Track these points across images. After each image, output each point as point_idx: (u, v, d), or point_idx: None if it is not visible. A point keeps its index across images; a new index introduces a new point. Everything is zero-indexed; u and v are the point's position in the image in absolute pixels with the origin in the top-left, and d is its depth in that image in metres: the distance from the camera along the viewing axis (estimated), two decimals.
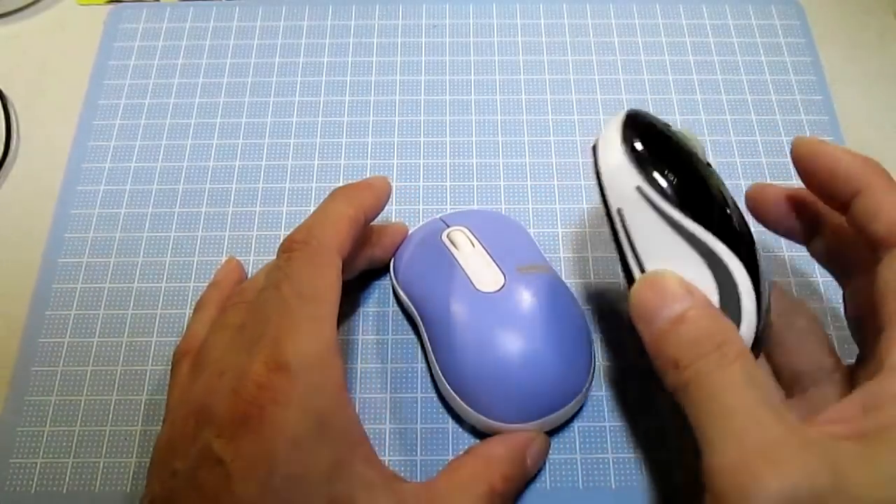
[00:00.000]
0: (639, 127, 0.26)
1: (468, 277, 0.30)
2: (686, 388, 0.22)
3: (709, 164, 0.26)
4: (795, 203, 0.28)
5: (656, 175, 0.25)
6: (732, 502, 0.19)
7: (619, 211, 0.25)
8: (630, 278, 0.25)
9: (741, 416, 0.20)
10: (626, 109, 0.27)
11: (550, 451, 0.30)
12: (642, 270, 0.25)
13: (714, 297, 0.24)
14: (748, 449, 0.20)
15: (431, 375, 0.32)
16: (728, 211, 0.25)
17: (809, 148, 0.26)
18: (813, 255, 0.29)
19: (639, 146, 0.25)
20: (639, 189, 0.25)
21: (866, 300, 0.24)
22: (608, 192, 0.26)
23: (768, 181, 0.37)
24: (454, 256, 0.31)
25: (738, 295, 0.24)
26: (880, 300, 0.23)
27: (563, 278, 0.34)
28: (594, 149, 0.27)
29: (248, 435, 0.22)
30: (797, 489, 0.18)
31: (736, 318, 0.24)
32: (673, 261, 0.24)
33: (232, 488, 0.22)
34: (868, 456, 0.19)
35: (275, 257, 0.27)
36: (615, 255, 0.35)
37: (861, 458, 0.19)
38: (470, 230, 0.32)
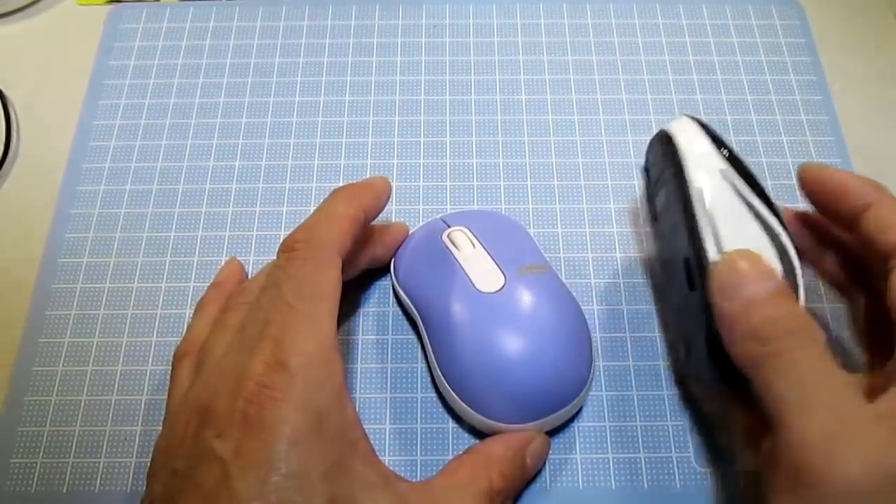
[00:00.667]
0: (709, 129, 0.29)
1: (468, 277, 0.30)
2: (767, 361, 0.23)
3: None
4: (804, 223, 0.29)
5: (737, 163, 0.28)
6: (817, 475, 0.21)
7: (700, 191, 0.28)
8: (698, 251, 0.27)
9: (827, 394, 0.22)
10: (687, 115, 0.30)
11: (550, 451, 0.30)
12: (718, 248, 0.26)
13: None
14: (835, 424, 0.21)
15: (431, 375, 0.32)
16: (774, 204, 0.27)
17: (817, 169, 0.27)
18: (821, 274, 0.30)
19: (723, 144, 0.29)
20: (723, 173, 0.28)
21: (876, 311, 0.26)
22: (692, 174, 0.28)
23: (768, 181, 0.37)
24: (454, 256, 0.31)
25: (797, 281, 0.26)
26: (893, 307, 0.24)
27: (563, 278, 0.34)
28: (665, 137, 0.30)
29: (249, 434, 0.22)
30: (882, 464, 0.20)
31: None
32: (749, 242, 0.26)
33: (232, 487, 0.22)
34: None
35: (275, 257, 0.28)
36: (615, 255, 0.35)
37: None
38: (470, 230, 0.32)
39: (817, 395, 0.22)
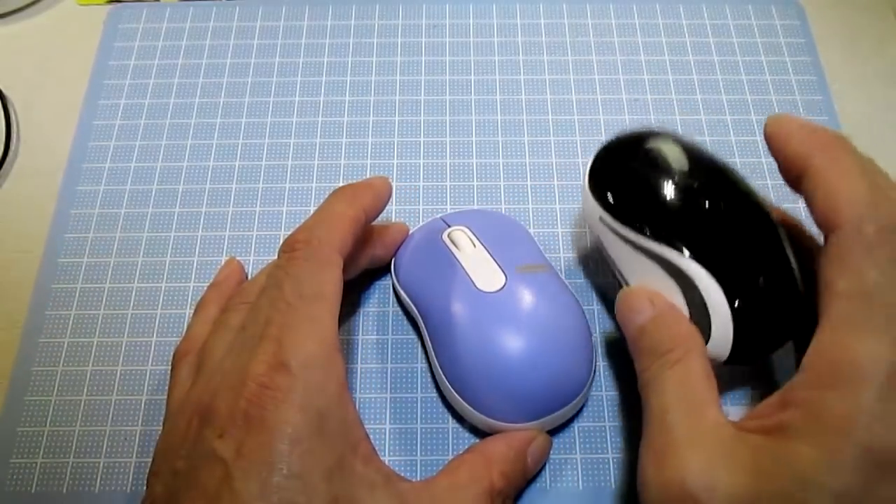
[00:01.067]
0: (606, 157, 0.30)
1: (469, 277, 0.30)
2: (642, 390, 0.26)
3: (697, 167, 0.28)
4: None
5: (610, 203, 0.28)
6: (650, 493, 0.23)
7: (597, 238, 0.30)
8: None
9: (670, 414, 0.24)
10: (606, 140, 0.30)
11: (551, 451, 0.30)
12: (627, 284, 0.29)
13: (680, 302, 0.27)
14: (674, 440, 0.23)
15: (432, 375, 0.32)
16: (698, 219, 0.27)
17: (771, 129, 0.26)
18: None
19: (599, 180, 0.29)
20: (601, 219, 0.29)
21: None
22: (589, 227, 0.30)
23: (768, 181, 0.37)
24: (455, 256, 0.31)
25: (703, 299, 0.26)
26: (818, 296, 0.23)
27: (563, 278, 0.34)
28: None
29: (250, 434, 0.22)
30: (695, 477, 0.22)
31: (705, 319, 0.26)
32: (643, 274, 0.28)
33: (233, 487, 0.22)
34: (767, 447, 0.22)
35: (275, 257, 0.28)
36: None
37: (761, 449, 0.22)
38: (471, 230, 0.32)
39: (660, 418, 0.24)
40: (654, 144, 0.28)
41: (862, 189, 0.23)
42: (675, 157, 0.28)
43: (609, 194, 0.28)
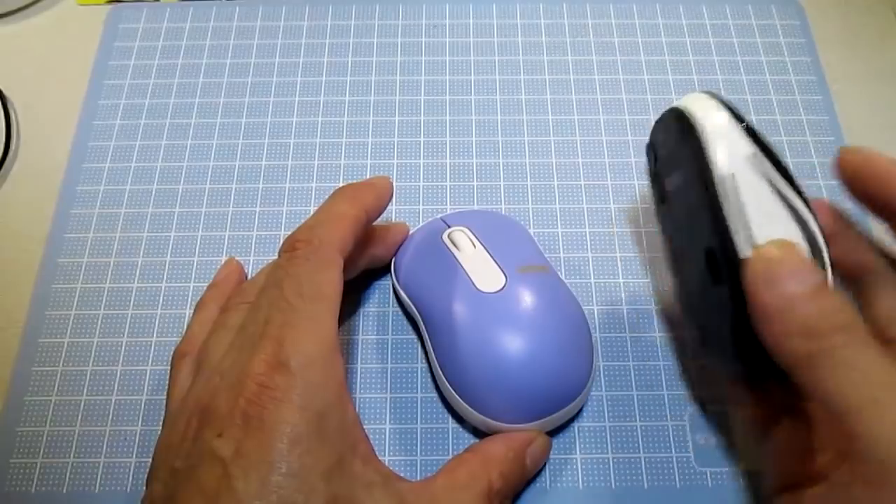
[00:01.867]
0: (728, 105, 0.27)
1: (469, 278, 0.30)
2: (820, 357, 0.22)
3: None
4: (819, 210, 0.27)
5: (767, 147, 0.26)
6: None
7: (732, 176, 0.25)
8: (726, 243, 0.25)
9: (893, 391, 0.21)
10: (700, 90, 0.28)
11: (551, 451, 0.30)
12: (751, 240, 0.25)
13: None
14: None
15: (432, 375, 0.32)
16: (802, 190, 0.25)
17: (862, 155, 0.26)
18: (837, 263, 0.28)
19: (743, 121, 0.26)
20: (750, 158, 0.26)
21: (893, 304, 0.25)
22: (715, 158, 0.26)
23: None
24: (455, 257, 0.31)
25: (826, 270, 0.24)
26: None
27: (563, 278, 0.34)
28: (680, 114, 0.27)
29: (249, 434, 0.22)
30: None
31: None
32: (781, 233, 0.25)
33: (232, 486, 0.22)
34: None
35: (275, 257, 0.28)
36: (615, 255, 0.35)
37: None
38: (471, 230, 0.32)
39: (884, 393, 0.21)
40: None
41: None
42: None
43: (757, 137, 0.26)
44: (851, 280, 0.28)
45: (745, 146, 0.26)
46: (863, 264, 0.27)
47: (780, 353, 0.23)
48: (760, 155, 0.26)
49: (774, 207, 0.25)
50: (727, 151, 0.26)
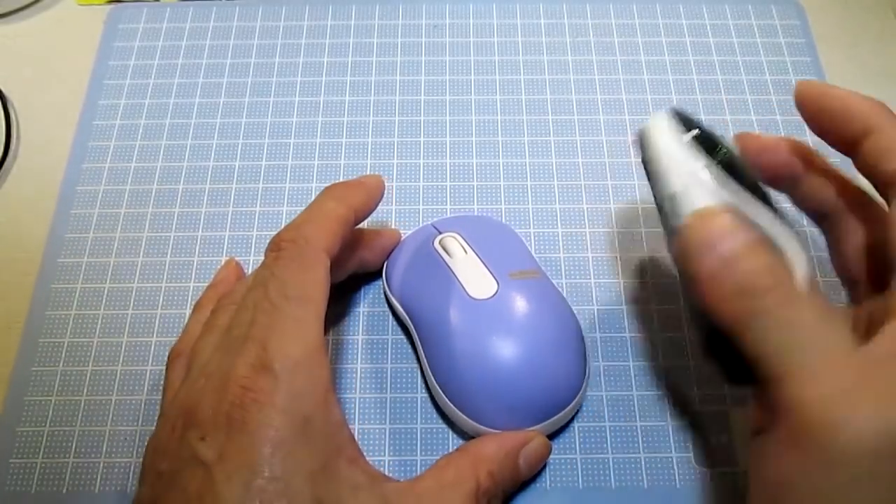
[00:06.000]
0: (685, 119, 0.28)
1: (461, 284, 0.30)
2: (754, 317, 0.22)
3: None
4: (778, 151, 0.28)
5: (716, 158, 0.26)
6: (826, 433, 0.20)
7: (675, 196, 0.26)
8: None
9: (823, 349, 0.21)
10: (666, 109, 0.28)
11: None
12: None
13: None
14: (837, 380, 0.20)
15: (425, 382, 0.32)
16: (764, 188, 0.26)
17: (817, 89, 0.26)
18: (795, 202, 0.28)
19: (695, 134, 0.27)
20: (706, 168, 0.25)
21: (859, 242, 0.25)
22: (669, 176, 0.26)
23: None
24: (446, 263, 0.31)
25: (796, 270, 0.24)
26: (892, 240, 0.23)
27: (563, 278, 0.34)
28: (642, 136, 0.27)
29: (232, 437, 0.22)
30: (887, 419, 0.19)
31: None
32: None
33: (215, 490, 0.22)
34: None
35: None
36: (614, 255, 0.35)
37: None
38: (461, 236, 0.32)
39: (814, 352, 0.21)
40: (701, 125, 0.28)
41: None
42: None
43: (708, 149, 0.26)
44: (820, 218, 0.28)
45: (698, 162, 0.26)
46: (830, 202, 0.27)
47: (721, 318, 0.22)
48: (713, 166, 0.25)
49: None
50: (675, 173, 0.26)
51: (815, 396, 0.20)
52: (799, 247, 0.24)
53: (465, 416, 0.29)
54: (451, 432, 0.31)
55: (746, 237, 0.23)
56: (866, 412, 0.20)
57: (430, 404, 0.32)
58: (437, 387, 0.30)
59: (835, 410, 0.20)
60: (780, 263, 0.23)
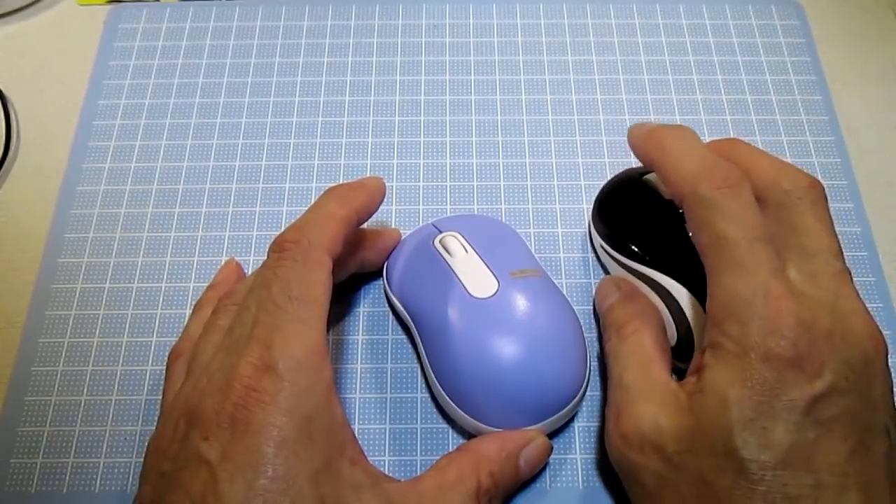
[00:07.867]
0: (609, 194, 0.34)
1: (461, 283, 0.30)
2: (606, 359, 0.30)
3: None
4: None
5: (608, 235, 0.33)
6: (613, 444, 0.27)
7: (600, 260, 0.35)
8: None
9: (625, 377, 0.28)
10: (610, 178, 0.35)
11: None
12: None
13: (665, 313, 0.30)
14: (629, 397, 0.27)
15: (427, 382, 0.32)
16: (671, 247, 0.31)
17: (632, 130, 0.30)
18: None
19: (602, 214, 0.34)
20: (602, 247, 0.34)
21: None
22: (592, 247, 0.35)
23: None
24: (447, 262, 0.31)
25: (680, 306, 0.30)
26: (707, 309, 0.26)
27: (563, 278, 0.34)
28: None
29: (235, 437, 0.22)
30: (646, 423, 0.26)
31: (684, 321, 0.30)
32: None
33: (218, 490, 0.22)
34: (696, 386, 0.25)
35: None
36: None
37: (692, 390, 0.25)
38: (462, 235, 0.32)
39: (624, 379, 0.28)
40: (647, 183, 0.33)
41: (691, 165, 0.26)
42: (660, 198, 0.32)
43: (608, 228, 0.33)
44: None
45: (596, 239, 0.34)
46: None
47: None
48: (606, 245, 0.33)
49: (623, 274, 0.33)
50: (594, 242, 0.35)
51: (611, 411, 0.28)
52: (683, 291, 0.30)
53: (465, 415, 0.29)
54: (451, 433, 0.31)
55: (610, 300, 0.31)
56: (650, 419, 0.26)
57: (430, 404, 0.32)
58: (438, 385, 0.30)
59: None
60: (621, 314, 0.30)
